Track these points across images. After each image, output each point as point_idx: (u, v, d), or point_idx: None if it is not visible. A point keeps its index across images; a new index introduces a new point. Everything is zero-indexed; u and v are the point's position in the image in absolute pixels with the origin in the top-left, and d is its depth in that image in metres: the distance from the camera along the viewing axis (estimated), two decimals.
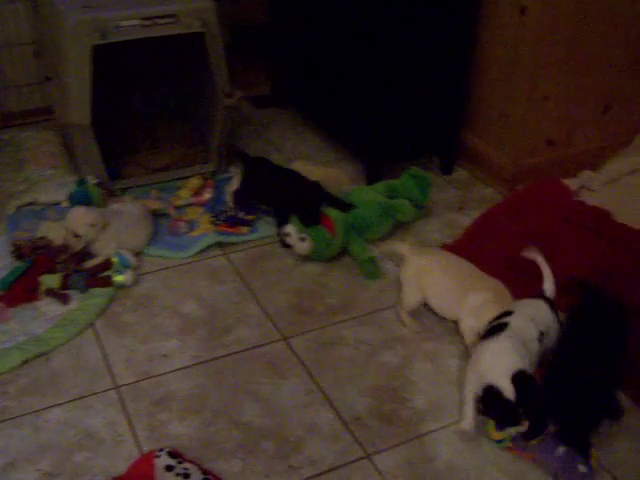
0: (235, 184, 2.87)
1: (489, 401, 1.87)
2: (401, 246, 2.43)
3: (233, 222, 2.79)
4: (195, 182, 3.02)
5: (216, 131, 3.07)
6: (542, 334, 2.02)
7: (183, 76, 3.33)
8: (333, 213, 2.62)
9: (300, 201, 2.66)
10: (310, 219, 2.61)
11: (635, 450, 1.94)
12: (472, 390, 1.94)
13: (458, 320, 2.25)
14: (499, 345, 1.94)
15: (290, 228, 2.59)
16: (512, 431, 1.85)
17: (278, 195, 2.76)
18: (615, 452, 1.93)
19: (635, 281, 2.47)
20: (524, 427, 1.82)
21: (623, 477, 1.86)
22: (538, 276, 2.41)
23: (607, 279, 2.46)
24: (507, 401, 1.82)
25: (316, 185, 2.70)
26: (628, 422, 2.02)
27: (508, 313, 2.05)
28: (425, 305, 2.37)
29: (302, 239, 2.56)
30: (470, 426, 1.94)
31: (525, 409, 1.82)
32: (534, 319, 2.04)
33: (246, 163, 2.89)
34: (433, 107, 3.08)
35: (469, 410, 1.94)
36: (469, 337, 2.21)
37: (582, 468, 1.80)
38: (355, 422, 1.99)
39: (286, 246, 2.63)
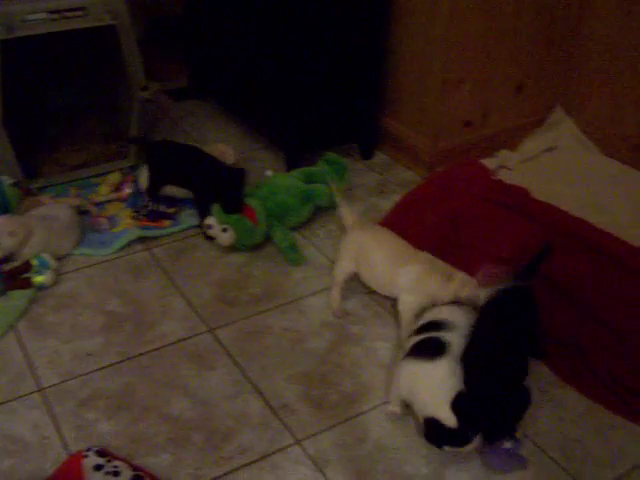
0: (144, 178, 2.83)
1: (433, 433, 1.80)
2: (348, 216, 2.43)
3: (154, 216, 2.77)
4: (114, 177, 2.99)
5: (133, 125, 3.03)
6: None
7: (98, 70, 3.27)
8: (254, 201, 2.62)
9: (223, 188, 2.64)
10: (234, 206, 2.60)
11: (557, 419, 2.00)
12: (397, 396, 1.95)
13: (395, 296, 2.27)
14: (437, 372, 1.84)
15: (212, 220, 2.58)
16: (461, 450, 1.81)
17: (198, 181, 2.73)
18: (538, 421, 1.99)
19: (554, 255, 2.54)
20: (474, 444, 1.78)
21: (546, 445, 1.92)
22: (461, 257, 2.47)
23: (527, 256, 2.52)
24: (451, 430, 1.76)
25: (239, 170, 2.70)
26: (551, 392, 2.09)
27: (441, 324, 1.97)
28: (349, 289, 2.40)
29: (224, 230, 2.55)
30: (398, 409, 1.97)
31: (472, 429, 1.77)
32: (463, 328, 1.97)
33: (147, 150, 2.86)
34: (350, 93, 3.10)
35: (395, 399, 1.97)
36: (406, 314, 2.20)
37: (507, 444, 1.84)
38: (284, 409, 2.00)
39: (210, 238, 2.62)
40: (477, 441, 1.78)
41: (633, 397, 2.04)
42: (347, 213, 2.44)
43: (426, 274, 2.18)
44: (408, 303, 2.21)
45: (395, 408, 1.97)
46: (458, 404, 1.76)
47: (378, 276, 2.29)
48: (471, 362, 1.85)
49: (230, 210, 2.57)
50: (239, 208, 2.59)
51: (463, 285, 2.13)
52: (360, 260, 2.31)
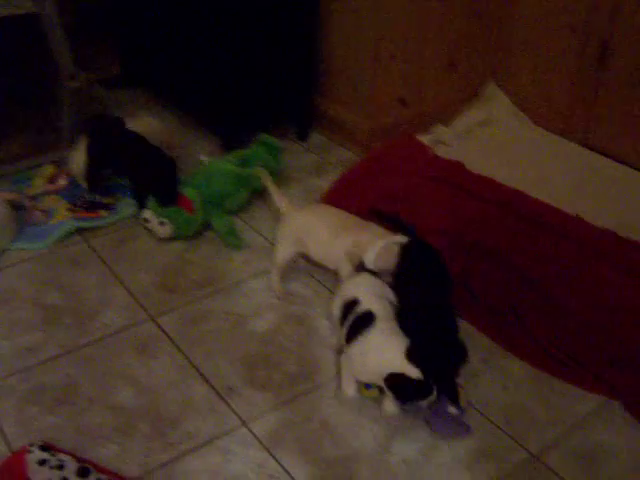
0: (77, 162, 2.78)
1: (401, 389, 1.84)
2: (280, 201, 2.45)
3: (91, 207, 2.73)
4: (49, 169, 2.93)
5: (65, 115, 2.98)
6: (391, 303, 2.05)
7: (27, 60, 3.20)
8: (189, 191, 2.61)
9: (155, 182, 2.61)
10: (168, 199, 2.58)
11: (500, 386, 2.05)
12: (351, 380, 1.99)
13: (339, 269, 2.29)
14: (379, 337, 1.90)
15: (148, 213, 2.55)
16: (424, 403, 1.85)
17: (135, 171, 2.69)
18: (481, 390, 2.03)
19: (490, 226, 2.58)
20: (434, 396, 1.83)
21: (490, 412, 1.96)
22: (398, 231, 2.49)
23: (465, 227, 2.56)
24: (416, 381, 1.80)
25: (170, 162, 2.67)
26: (493, 361, 2.13)
27: (354, 301, 2.02)
28: (290, 269, 2.41)
29: (162, 223, 2.53)
30: (353, 392, 2.00)
31: (431, 377, 1.82)
32: (380, 294, 2.06)
33: (93, 127, 2.82)
34: (282, 74, 3.09)
35: (350, 383, 2.00)
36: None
37: (452, 410, 1.89)
38: (230, 392, 2.00)
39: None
40: (434, 394, 1.83)
41: (569, 359, 2.09)
42: (280, 198, 2.46)
43: (367, 245, 2.18)
44: (346, 270, 2.24)
45: (350, 391, 2.00)
46: (413, 355, 1.82)
47: (324, 250, 2.32)
48: (407, 316, 1.95)
49: (165, 203, 2.56)
50: (173, 200, 2.57)
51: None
52: (306, 239, 2.33)
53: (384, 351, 1.87)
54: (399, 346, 1.85)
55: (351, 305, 2.01)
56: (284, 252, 2.36)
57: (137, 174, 2.68)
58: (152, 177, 2.61)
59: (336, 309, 2.10)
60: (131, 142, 2.76)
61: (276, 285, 2.37)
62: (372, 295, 2.03)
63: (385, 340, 1.89)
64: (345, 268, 2.24)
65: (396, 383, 1.83)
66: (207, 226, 2.66)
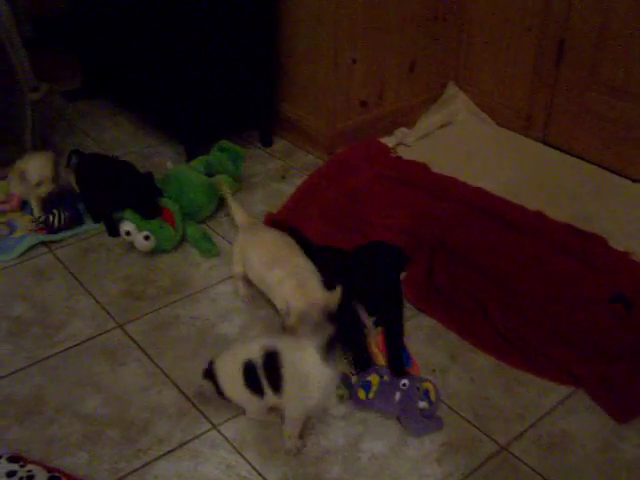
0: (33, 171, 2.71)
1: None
2: (238, 215, 2.46)
3: (54, 230, 2.69)
4: (4, 185, 2.88)
5: (27, 128, 2.96)
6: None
7: None
8: (169, 204, 2.61)
9: (139, 194, 2.58)
10: (151, 212, 2.56)
11: (467, 380, 2.08)
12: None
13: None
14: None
15: (129, 226, 2.53)
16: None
17: (111, 191, 2.63)
18: (450, 385, 2.06)
19: (453, 225, 2.62)
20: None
21: (459, 406, 1.99)
22: (361, 232, 2.52)
23: (427, 226, 2.59)
24: None
25: (149, 175, 2.66)
26: (460, 357, 2.16)
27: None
28: None
29: (146, 238, 2.51)
30: None
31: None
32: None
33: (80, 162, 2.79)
34: (244, 80, 3.11)
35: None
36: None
37: (422, 404, 1.91)
38: (199, 397, 2.00)
39: (113, 235, 2.61)
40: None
41: (534, 351, 2.13)
42: (238, 213, 2.47)
43: (287, 280, 2.12)
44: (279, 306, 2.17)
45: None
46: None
47: (255, 274, 2.28)
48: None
49: (149, 216, 2.55)
50: (157, 212, 2.57)
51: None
52: (244, 259, 2.31)
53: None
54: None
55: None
56: (235, 267, 2.36)
57: (116, 191, 2.61)
58: (132, 191, 2.58)
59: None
60: (103, 164, 2.76)
61: (241, 290, 2.37)
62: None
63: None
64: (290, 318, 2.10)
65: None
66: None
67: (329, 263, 2.30)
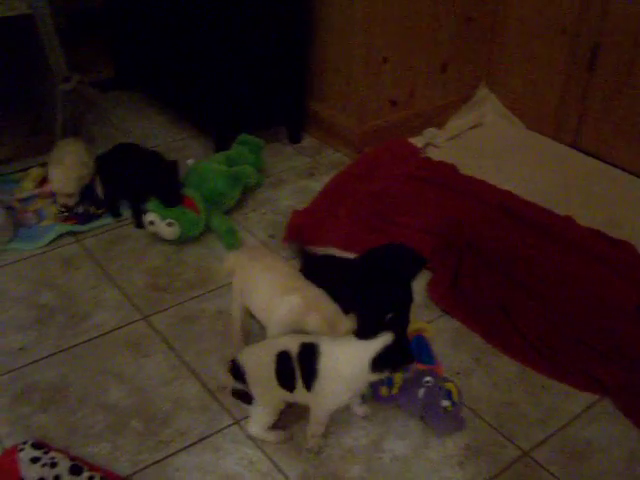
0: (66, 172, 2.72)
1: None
2: (231, 259, 2.11)
3: (83, 219, 2.72)
4: (37, 172, 2.92)
5: (58, 117, 2.98)
6: None
7: (21, 61, 3.20)
8: (190, 191, 2.62)
9: (161, 183, 2.60)
10: (174, 199, 2.57)
11: (491, 384, 2.06)
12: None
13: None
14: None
15: (152, 216, 2.54)
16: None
17: (135, 179, 2.65)
18: (473, 388, 2.05)
19: (480, 227, 2.60)
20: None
21: (482, 410, 1.97)
22: (390, 233, 2.50)
23: (455, 228, 2.58)
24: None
25: (173, 163, 2.67)
26: (484, 360, 2.14)
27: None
28: None
29: (170, 224, 2.53)
30: None
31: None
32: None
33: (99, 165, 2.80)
34: (275, 77, 3.10)
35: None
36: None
37: (445, 403, 1.89)
38: (222, 391, 2.01)
39: (140, 226, 2.62)
40: None
41: (559, 357, 2.11)
42: (230, 257, 2.12)
43: (298, 311, 1.89)
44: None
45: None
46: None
47: (257, 309, 2.03)
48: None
49: (171, 204, 2.56)
50: (180, 200, 2.58)
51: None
52: (245, 292, 2.05)
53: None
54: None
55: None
56: (234, 303, 2.10)
57: (140, 179, 2.63)
58: (156, 178, 2.60)
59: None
60: (128, 151, 2.77)
61: (235, 338, 2.15)
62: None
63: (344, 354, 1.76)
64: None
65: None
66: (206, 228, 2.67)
67: (330, 272, 2.18)
